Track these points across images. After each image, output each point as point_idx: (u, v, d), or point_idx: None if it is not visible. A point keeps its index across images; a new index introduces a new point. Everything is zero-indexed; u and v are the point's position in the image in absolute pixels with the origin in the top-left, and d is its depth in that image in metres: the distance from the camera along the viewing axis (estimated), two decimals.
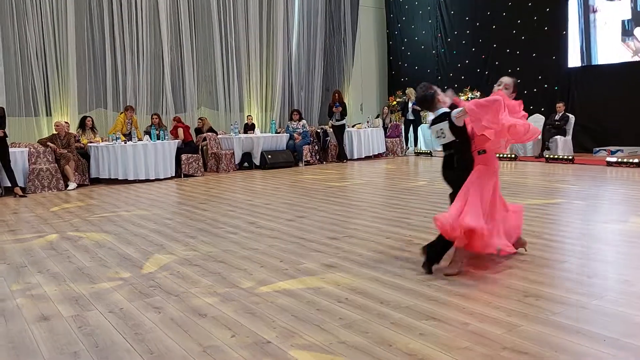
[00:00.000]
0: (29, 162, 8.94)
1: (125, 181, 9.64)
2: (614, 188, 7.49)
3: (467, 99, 13.80)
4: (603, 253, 4.22)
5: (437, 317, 2.93)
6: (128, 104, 11.27)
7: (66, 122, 9.97)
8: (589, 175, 8.71)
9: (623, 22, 10.62)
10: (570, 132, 11.18)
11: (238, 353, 2.58)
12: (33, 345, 2.77)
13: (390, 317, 2.95)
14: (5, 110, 8.71)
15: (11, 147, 8.83)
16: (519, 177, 8.89)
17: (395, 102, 15.99)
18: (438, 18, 15.09)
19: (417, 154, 13.71)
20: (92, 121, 10.49)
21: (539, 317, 2.88)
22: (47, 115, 10.79)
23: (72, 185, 9.11)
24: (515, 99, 3.96)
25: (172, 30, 12.30)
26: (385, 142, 13.65)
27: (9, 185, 8.40)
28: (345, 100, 13.75)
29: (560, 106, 11.21)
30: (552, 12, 12.33)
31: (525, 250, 4.14)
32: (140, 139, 10.25)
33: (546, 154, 11.08)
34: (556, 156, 10.66)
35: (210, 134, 11.61)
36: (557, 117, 11.22)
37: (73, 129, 10.23)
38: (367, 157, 13.08)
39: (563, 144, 11.01)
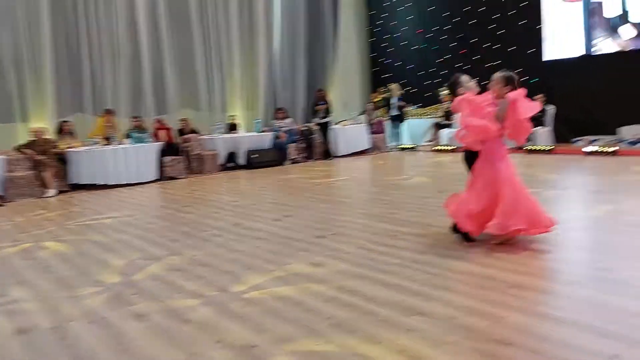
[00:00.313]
0: (5, 170, 8.77)
1: (106, 186, 9.51)
2: (593, 177, 7.58)
3: (448, 93, 13.92)
4: (584, 242, 4.28)
5: (424, 312, 2.94)
6: (107, 107, 11.13)
7: (43, 128, 9.81)
8: (569, 165, 8.81)
9: (607, 20, 10.73)
10: (551, 123, 11.30)
11: (224, 359, 2.57)
12: None
13: (378, 314, 2.96)
14: None
15: None
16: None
17: (378, 99, 16.02)
18: (418, 14, 15.15)
19: (402, 149, 13.75)
20: (71, 126, 10.33)
21: (523, 307, 2.91)
22: (23, 121, 10.57)
23: (51, 192, 8.96)
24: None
25: (151, 30, 12.15)
26: (370, 138, 13.67)
27: None
28: (329, 97, 13.74)
29: (539, 98, 11.31)
30: (528, 6, 12.45)
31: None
32: (120, 143, 10.14)
33: (527, 144, 11.18)
34: (536, 147, 10.77)
35: (193, 135, 11.52)
36: None
37: (51, 135, 10.06)
38: (353, 154, 13.09)
39: (543, 135, 11.12)
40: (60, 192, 9.24)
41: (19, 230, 6.11)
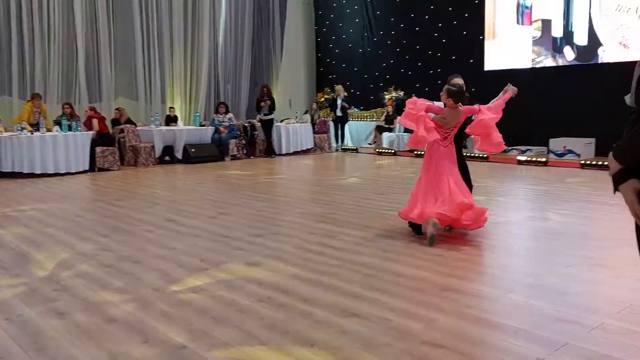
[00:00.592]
0: None
1: (32, 175, 8.99)
2: (524, 185, 7.89)
3: (391, 98, 14.17)
4: (514, 247, 4.42)
5: (359, 314, 2.92)
6: (36, 92, 10.52)
7: None
8: (502, 172, 9.13)
9: (555, 39, 11.21)
10: None
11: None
12: None
13: (313, 316, 2.92)
14: None
15: None
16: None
17: (323, 99, 16.05)
18: (365, 18, 15.30)
19: (344, 150, 13.84)
20: None
21: (455, 310, 2.95)
22: None
23: None
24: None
25: (87, 14, 11.61)
26: (314, 137, 13.67)
27: None
28: (274, 95, 13.62)
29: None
30: (471, 17, 12.83)
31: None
32: (49, 130, 9.61)
33: (464, 151, 11.50)
34: (472, 154, 11.10)
35: (128, 125, 11.09)
36: (472, 117, 11.68)
37: None
38: (295, 153, 13.04)
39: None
40: None
41: None
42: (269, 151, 12.48)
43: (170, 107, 12.64)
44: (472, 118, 4.88)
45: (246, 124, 12.64)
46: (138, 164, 10.67)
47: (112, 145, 10.40)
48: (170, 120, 12.15)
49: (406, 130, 13.45)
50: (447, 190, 4.46)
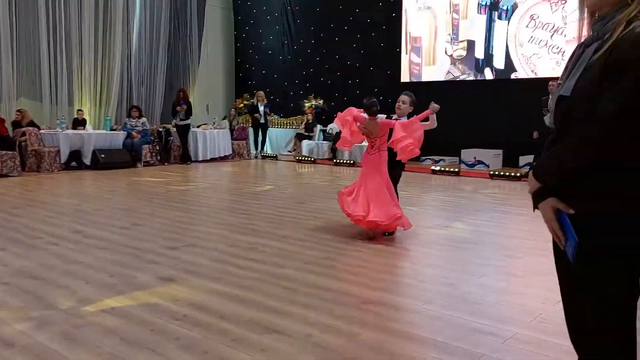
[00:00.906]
0: None
1: None
2: (438, 195, 8.17)
3: (311, 106, 14.26)
4: (431, 257, 4.52)
5: (279, 330, 2.84)
6: None
7: None
8: (417, 182, 9.41)
9: (477, 59, 11.73)
10: None
11: None
12: None
13: (231, 334, 2.80)
14: None
15: None
16: (348, 182, 9.28)
17: (242, 105, 15.84)
18: (285, 25, 15.31)
19: (264, 157, 13.72)
20: None
21: (376, 324, 2.95)
22: None
23: None
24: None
25: None
26: (232, 144, 13.43)
27: None
28: (191, 99, 13.25)
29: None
30: (388, 30, 13.20)
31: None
32: None
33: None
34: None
35: (30, 128, 10.33)
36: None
37: None
38: (213, 159, 12.74)
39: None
40: None
41: None
42: (185, 157, 12.11)
43: (79, 110, 11.93)
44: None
45: (160, 129, 12.19)
46: (41, 170, 9.96)
47: (13, 149, 9.64)
48: (78, 123, 11.47)
49: (325, 139, 13.57)
50: (357, 193, 5.00)
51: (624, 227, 1.40)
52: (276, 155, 13.66)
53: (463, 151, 11.31)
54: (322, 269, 3.98)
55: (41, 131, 10.48)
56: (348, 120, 5.10)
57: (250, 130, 14.16)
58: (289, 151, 14.41)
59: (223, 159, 13.07)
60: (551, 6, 10.52)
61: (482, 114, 11.24)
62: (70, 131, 10.79)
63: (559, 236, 1.51)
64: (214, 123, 13.46)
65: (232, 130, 13.88)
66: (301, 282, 3.67)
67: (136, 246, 4.61)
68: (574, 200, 1.47)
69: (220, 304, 3.24)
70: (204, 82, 15.47)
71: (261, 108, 13.57)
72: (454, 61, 11.93)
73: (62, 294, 3.40)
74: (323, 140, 13.64)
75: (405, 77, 13.00)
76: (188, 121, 12.08)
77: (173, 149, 12.18)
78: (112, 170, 10.40)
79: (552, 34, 10.58)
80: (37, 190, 7.90)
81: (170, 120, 12.53)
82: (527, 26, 10.87)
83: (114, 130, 11.59)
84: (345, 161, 12.27)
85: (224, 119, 14.78)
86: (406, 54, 12.91)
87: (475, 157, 11.11)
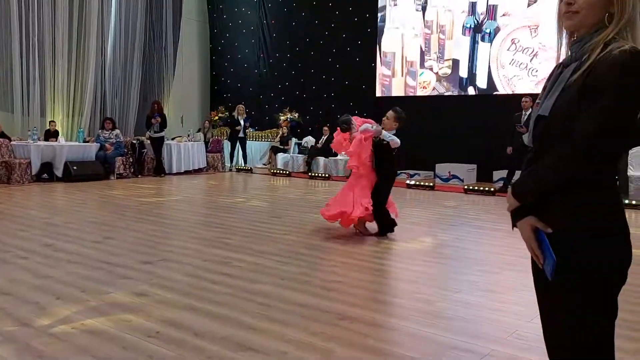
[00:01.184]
0: None
1: None
2: (413, 209, 8.22)
3: (286, 119, 14.28)
4: (407, 273, 4.54)
5: (254, 348, 2.81)
6: None
7: None
8: (392, 196, 9.44)
9: (461, 78, 11.94)
10: None
11: None
12: None
13: (206, 351, 2.76)
14: None
15: None
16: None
17: (217, 117, 15.77)
18: (261, 39, 15.35)
19: (238, 170, 13.65)
20: None
21: (352, 340, 2.94)
22: None
23: None
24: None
25: None
26: (207, 157, 13.33)
27: None
28: (165, 112, 13.14)
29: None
30: (363, 44, 13.34)
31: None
32: None
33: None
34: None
35: (0, 139, 10.11)
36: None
37: None
38: (187, 172, 12.62)
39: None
40: None
41: None
42: (159, 170, 11.97)
43: (51, 121, 11.73)
44: (383, 143, 5.75)
45: (134, 141, 12.04)
46: (12, 182, 9.73)
47: None
48: (50, 135, 11.27)
49: (300, 152, 13.58)
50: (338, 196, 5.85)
51: (602, 244, 1.43)
52: (251, 168, 13.61)
53: (438, 165, 11.44)
54: (298, 285, 3.96)
55: (12, 142, 10.25)
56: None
57: (227, 143, 14.08)
58: (264, 164, 14.37)
59: (197, 171, 12.96)
60: (531, 32, 10.87)
61: (457, 128, 11.41)
62: (42, 143, 10.59)
63: (537, 255, 1.53)
64: (188, 135, 13.36)
65: (206, 142, 13.79)
66: (277, 298, 3.65)
67: (108, 260, 4.53)
68: (552, 219, 1.49)
69: (194, 320, 3.20)
70: (179, 95, 15.38)
71: (242, 121, 13.52)
72: (439, 78, 12.14)
73: (32, 309, 3.30)
74: (298, 153, 13.65)
75: (379, 92, 13.13)
76: (162, 133, 11.96)
77: (147, 161, 12.04)
78: (85, 183, 10.21)
79: (532, 58, 10.89)
80: (7, 203, 7.70)
81: (144, 132, 12.39)
82: (508, 49, 11.18)
83: (87, 142, 11.41)
84: (320, 174, 12.30)
85: (198, 131, 14.68)
86: (379, 68, 13.08)
87: (449, 172, 11.25)
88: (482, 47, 11.51)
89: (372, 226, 5.97)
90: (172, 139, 12.85)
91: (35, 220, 6.37)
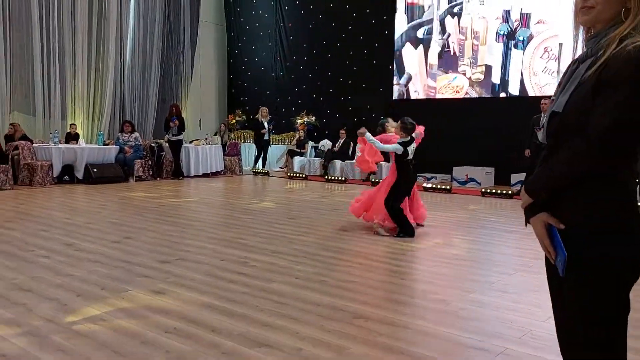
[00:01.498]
0: None
1: None
2: (430, 212, 8.19)
3: (303, 123, 14.33)
4: (423, 274, 4.55)
5: (269, 344, 2.85)
6: None
7: None
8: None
9: (493, 84, 11.88)
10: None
11: None
12: None
13: (222, 347, 2.80)
14: None
15: None
16: (348, 198, 9.31)
17: (234, 121, 15.90)
18: (278, 42, 15.44)
19: (255, 173, 13.73)
20: None
21: (367, 339, 2.96)
22: None
23: None
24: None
25: None
26: (224, 160, 13.45)
27: None
28: (183, 115, 13.29)
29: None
30: (380, 48, 13.35)
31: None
32: None
33: (372, 177, 11.87)
34: (380, 180, 11.45)
35: (23, 142, 10.32)
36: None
37: None
38: (205, 175, 12.74)
39: (387, 169, 11.84)
40: None
41: None
42: (177, 173, 12.10)
43: (72, 124, 11.94)
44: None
45: (153, 144, 12.20)
46: (34, 184, 9.93)
47: (5, 162, 9.61)
48: (71, 138, 11.47)
49: (317, 155, 13.63)
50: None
51: (614, 241, 1.42)
52: (268, 171, 13.69)
53: (455, 168, 11.39)
54: (313, 284, 3.99)
55: (34, 145, 10.46)
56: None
57: (252, 146, 14.20)
58: (281, 167, 14.44)
59: (215, 174, 13.08)
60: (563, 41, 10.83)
61: (474, 131, 11.35)
62: (63, 145, 10.78)
63: (550, 251, 1.54)
64: (206, 139, 13.49)
65: (223, 145, 13.91)
66: (292, 296, 3.68)
67: (128, 260, 4.61)
68: (565, 215, 1.49)
69: (211, 317, 3.25)
70: (197, 98, 15.53)
71: (266, 124, 13.60)
72: (472, 83, 12.10)
73: (53, 306, 3.39)
74: (315, 156, 13.69)
75: (396, 95, 13.13)
76: (180, 136, 12.10)
77: (165, 164, 12.18)
78: (104, 185, 10.38)
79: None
80: (29, 204, 7.87)
81: (163, 135, 12.55)
82: (541, 57, 11.13)
83: (107, 144, 11.59)
84: (336, 177, 12.32)
85: (215, 134, 14.82)
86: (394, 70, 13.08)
87: (467, 175, 11.19)
88: (515, 54, 11.47)
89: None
90: (190, 142, 12.98)
91: (57, 221, 6.50)
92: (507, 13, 11.54)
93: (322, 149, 13.65)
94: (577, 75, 1.51)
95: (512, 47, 11.51)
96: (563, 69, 10.70)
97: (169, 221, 6.62)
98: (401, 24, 12.96)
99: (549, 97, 9.37)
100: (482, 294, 3.86)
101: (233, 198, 9.42)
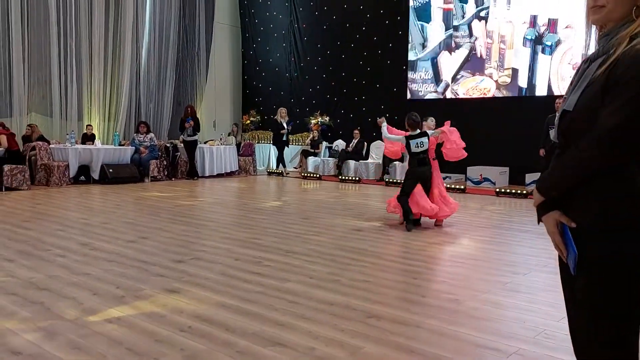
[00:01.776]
0: None
1: None
2: None
3: (317, 123, 14.35)
4: (436, 273, 4.54)
5: (283, 343, 2.86)
6: None
7: None
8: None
9: (520, 88, 11.79)
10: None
11: None
12: None
13: (236, 346, 2.82)
14: None
15: None
16: (362, 198, 9.33)
17: (249, 121, 15.97)
18: (292, 42, 15.48)
19: (269, 173, 13.78)
20: None
21: (380, 338, 2.96)
22: None
23: None
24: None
25: (0, 24, 10.98)
26: (238, 160, 13.51)
27: None
28: (198, 116, 13.38)
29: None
30: (394, 48, 13.31)
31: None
32: None
33: (386, 177, 11.85)
34: (395, 180, 11.42)
35: (40, 143, 10.48)
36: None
37: None
38: (219, 175, 12.82)
39: (401, 169, 11.84)
40: None
41: None
42: (192, 173, 12.19)
43: (88, 125, 12.09)
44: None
45: (168, 145, 12.30)
46: (50, 184, 10.07)
47: (22, 163, 9.76)
48: (87, 138, 11.62)
49: (331, 155, 13.63)
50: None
51: (626, 238, 1.41)
52: (282, 171, 13.72)
53: (469, 168, 11.32)
54: (327, 284, 4.00)
55: (51, 146, 10.61)
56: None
57: (266, 147, 14.25)
58: (295, 167, 14.47)
59: (229, 174, 13.15)
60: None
61: (489, 131, 11.27)
62: (80, 146, 10.92)
63: (561, 249, 1.53)
64: (220, 139, 13.58)
65: (238, 146, 13.97)
66: (306, 296, 3.70)
67: (143, 259, 4.66)
68: (576, 213, 1.49)
69: (225, 316, 3.27)
70: (211, 99, 15.63)
71: (285, 125, 13.63)
72: (498, 86, 12.03)
73: (69, 304, 3.44)
74: (329, 156, 13.70)
75: (411, 94, 13.08)
76: (195, 137, 12.19)
77: (180, 164, 12.28)
78: (120, 185, 10.49)
79: None
80: (46, 204, 7.99)
81: (178, 135, 12.65)
82: (569, 63, 11.02)
83: (122, 145, 11.71)
84: (350, 177, 12.31)
85: (229, 135, 14.90)
86: (414, 71, 13.02)
87: (481, 175, 11.12)
88: (542, 58, 11.38)
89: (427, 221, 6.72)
90: (205, 143, 13.07)
91: (73, 221, 6.58)
92: (534, 18, 11.46)
93: (336, 149, 13.65)
94: (588, 74, 1.51)
95: (540, 52, 11.41)
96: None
97: (183, 221, 6.68)
98: (437, 32, 12.80)
99: (563, 96, 9.28)
100: (496, 294, 3.84)
101: (247, 198, 9.47)
